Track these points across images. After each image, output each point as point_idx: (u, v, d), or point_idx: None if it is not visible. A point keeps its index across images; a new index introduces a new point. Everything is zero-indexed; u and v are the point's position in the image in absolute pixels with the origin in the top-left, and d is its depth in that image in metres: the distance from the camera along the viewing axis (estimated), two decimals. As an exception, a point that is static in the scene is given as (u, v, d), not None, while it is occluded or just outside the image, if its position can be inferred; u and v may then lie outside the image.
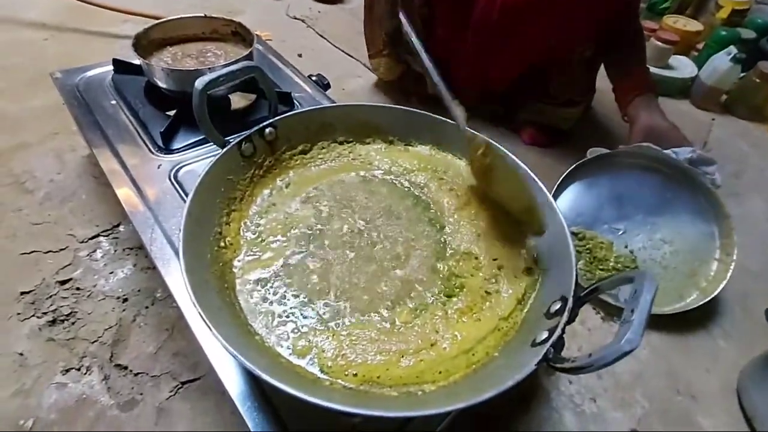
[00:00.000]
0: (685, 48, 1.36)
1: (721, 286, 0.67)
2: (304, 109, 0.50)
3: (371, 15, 0.98)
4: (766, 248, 0.86)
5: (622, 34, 0.86)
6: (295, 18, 1.38)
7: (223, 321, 0.33)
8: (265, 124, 0.47)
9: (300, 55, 1.19)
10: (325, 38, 1.28)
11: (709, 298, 0.66)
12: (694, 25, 1.35)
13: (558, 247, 0.42)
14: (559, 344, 0.32)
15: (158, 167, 0.58)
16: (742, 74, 1.22)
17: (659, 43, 1.22)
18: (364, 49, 1.07)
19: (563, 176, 0.75)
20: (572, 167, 0.76)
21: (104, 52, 1.09)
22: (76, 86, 0.70)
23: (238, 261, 0.41)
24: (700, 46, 1.36)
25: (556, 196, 0.74)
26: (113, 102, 0.68)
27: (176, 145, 0.61)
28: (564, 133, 1.00)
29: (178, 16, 0.69)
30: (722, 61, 1.18)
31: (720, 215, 0.72)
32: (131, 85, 0.68)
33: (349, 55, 1.22)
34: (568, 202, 0.77)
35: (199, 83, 0.40)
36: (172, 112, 0.65)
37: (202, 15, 0.71)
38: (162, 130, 0.60)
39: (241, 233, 0.43)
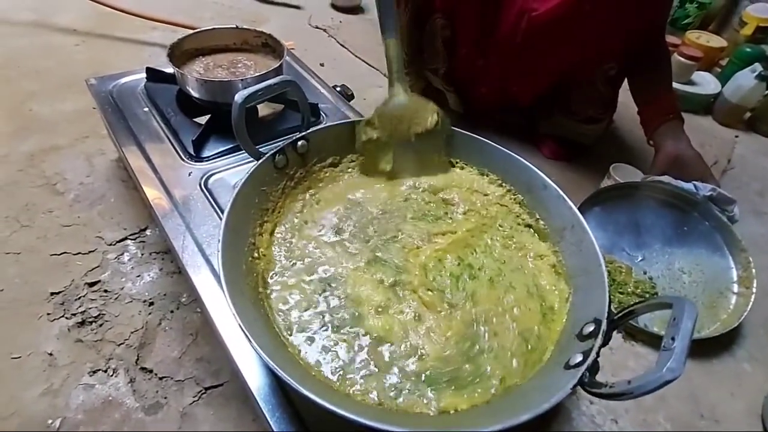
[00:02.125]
0: (708, 64, 1.34)
1: (742, 318, 0.66)
2: (335, 123, 0.51)
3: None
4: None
5: (647, 54, 0.85)
6: (317, 27, 1.40)
7: (258, 332, 0.33)
8: (298, 136, 0.48)
9: (322, 65, 1.20)
10: (346, 48, 1.30)
11: (728, 329, 0.65)
12: (717, 41, 1.34)
13: (589, 266, 0.42)
14: (594, 368, 0.32)
15: (189, 174, 0.59)
16: (767, 92, 1.20)
17: (682, 59, 1.22)
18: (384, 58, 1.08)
19: (584, 200, 0.76)
20: (593, 193, 0.77)
21: (133, 58, 1.12)
22: (110, 93, 0.72)
23: (272, 272, 0.42)
24: (724, 62, 1.34)
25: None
26: (145, 109, 0.69)
27: (207, 153, 0.62)
28: (585, 147, 1.00)
29: (211, 27, 0.71)
30: (746, 79, 1.16)
31: (737, 249, 0.73)
32: (163, 93, 0.70)
33: (370, 65, 1.23)
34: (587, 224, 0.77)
35: (239, 97, 0.41)
36: (202, 120, 0.66)
37: (234, 26, 0.72)
38: (194, 138, 0.61)
39: (274, 245, 0.44)
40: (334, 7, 1.52)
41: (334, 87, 0.82)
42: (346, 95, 0.81)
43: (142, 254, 0.68)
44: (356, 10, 1.53)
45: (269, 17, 1.42)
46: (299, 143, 0.48)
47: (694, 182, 0.77)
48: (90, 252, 0.67)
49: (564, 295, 0.43)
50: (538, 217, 0.50)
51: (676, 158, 0.79)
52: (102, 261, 0.66)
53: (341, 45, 1.32)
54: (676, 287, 0.72)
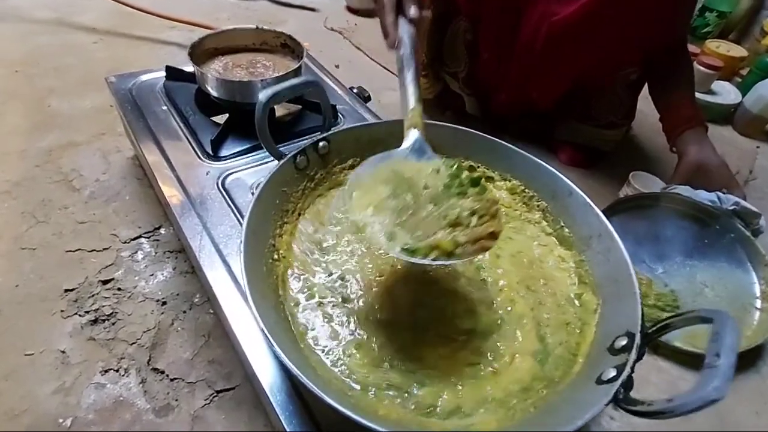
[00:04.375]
0: (729, 73, 1.32)
1: (765, 336, 0.64)
2: (356, 125, 0.51)
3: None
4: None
5: (669, 60, 0.84)
6: (333, 30, 1.40)
7: (280, 337, 0.32)
8: (320, 137, 0.47)
9: (337, 67, 1.20)
10: (361, 50, 1.30)
11: (752, 347, 0.63)
12: (737, 51, 1.32)
13: (618, 276, 0.40)
14: (628, 384, 0.31)
15: (206, 173, 0.58)
16: (790, 103, 1.18)
17: (702, 68, 1.20)
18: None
19: (603, 209, 0.74)
20: (612, 202, 0.75)
21: (151, 57, 1.12)
22: (129, 90, 0.72)
23: (292, 276, 0.41)
24: (744, 72, 1.32)
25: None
26: (164, 107, 0.69)
27: (224, 153, 0.62)
28: (604, 153, 0.98)
29: (231, 27, 0.71)
30: (767, 89, 1.14)
31: (760, 264, 0.71)
32: (182, 91, 0.70)
33: (385, 68, 1.23)
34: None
35: (264, 96, 0.40)
36: (221, 120, 0.66)
37: (254, 27, 0.72)
38: (212, 137, 0.61)
39: (294, 246, 0.43)
40: (350, 9, 1.53)
41: (351, 88, 0.81)
42: (363, 97, 0.80)
43: (156, 253, 0.67)
44: (372, 12, 1.53)
45: (285, 19, 1.42)
46: (320, 144, 0.48)
47: (718, 193, 0.75)
48: (104, 249, 0.67)
49: (592, 306, 0.41)
50: (563, 224, 0.49)
51: (699, 166, 0.77)
52: (116, 259, 0.66)
53: (356, 47, 1.31)
54: (698, 301, 0.70)
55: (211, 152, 0.61)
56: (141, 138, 0.64)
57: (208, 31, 0.70)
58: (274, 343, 0.28)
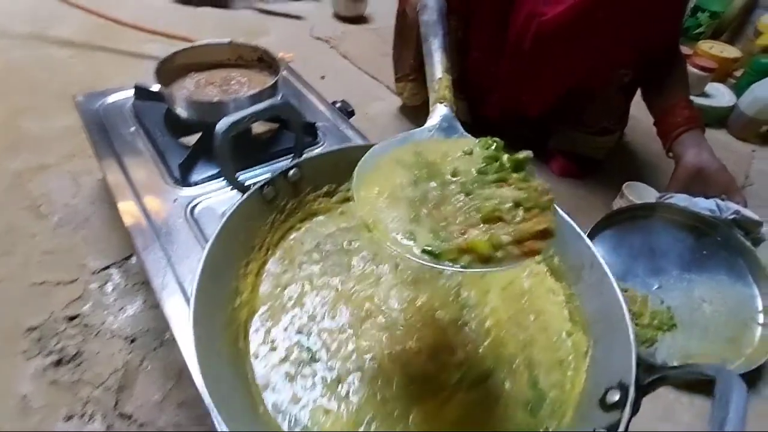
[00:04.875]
0: (722, 75, 1.30)
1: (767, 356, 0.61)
2: (331, 149, 0.47)
3: (401, 38, 0.96)
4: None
5: (662, 62, 0.81)
6: (319, 38, 1.37)
7: (232, 406, 0.29)
8: (289, 165, 0.44)
9: (323, 77, 1.17)
10: (348, 59, 1.27)
11: (754, 367, 0.60)
12: (731, 52, 1.30)
13: (611, 314, 0.37)
14: (623, 448, 0.27)
15: (174, 201, 0.55)
16: (786, 104, 1.15)
17: (695, 70, 1.17)
18: (387, 71, 1.05)
19: (594, 224, 0.71)
20: (605, 215, 0.72)
21: (129, 71, 1.09)
22: (97, 110, 0.68)
23: (255, 324, 0.37)
24: (738, 73, 1.30)
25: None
26: (132, 129, 0.66)
27: (195, 178, 0.58)
28: (597, 162, 0.95)
29: (204, 43, 0.67)
30: (763, 91, 1.12)
31: (762, 277, 0.67)
32: (152, 111, 0.67)
33: (373, 77, 1.19)
34: (599, 251, 0.72)
35: (222, 125, 0.37)
36: (193, 139, 0.62)
37: (228, 42, 0.69)
38: (180, 161, 0.57)
39: (259, 288, 0.40)
40: (337, 17, 1.49)
41: (334, 103, 0.78)
42: (346, 112, 0.77)
43: (126, 284, 0.64)
44: (360, 20, 1.50)
45: (270, 28, 1.39)
46: (291, 172, 0.44)
47: (717, 201, 0.72)
48: (72, 282, 0.63)
49: (582, 348, 0.38)
50: (552, 252, 0.46)
51: (698, 170, 0.74)
52: (84, 291, 0.62)
53: (343, 56, 1.28)
54: (695, 318, 0.67)
55: (179, 177, 0.57)
56: (105, 161, 0.60)
57: (183, 46, 0.66)
58: (220, 422, 0.25)
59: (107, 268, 0.65)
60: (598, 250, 0.73)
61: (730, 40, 1.42)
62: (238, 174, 0.57)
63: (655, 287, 0.71)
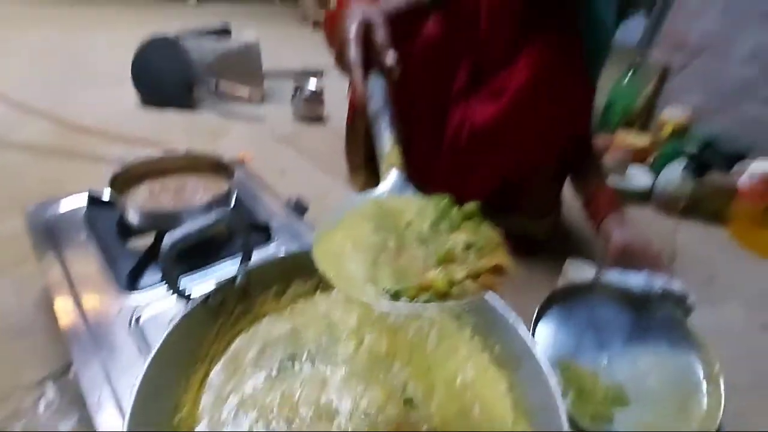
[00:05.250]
0: (640, 159, 1.48)
1: (717, 422, 0.63)
2: (277, 257, 0.50)
3: (352, 132, 1.05)
4: (753, 359, 0.84)
5: (581, 154, 0.93)
6: (279, 137, 1.46)
7: None
8: (236, 273, 0.46)
9: (282, 174, 1.23)
10: (306, 156, 1.35)
11: None
12: (644, 139, 1.49)
13: (547, 403, 0.39)
14: None
15: (119, 311, 0.54)
16: (695, 182, 1.32)
17: (616, 157, 1.33)
18: (343, 166, 1.13)
19: (541, 304, 0.75)
20: (549, 294, 0.76)
21: (87, 175, 1.10)
22: (48, 220, 0.69)
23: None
24: (653, 157, 1.48)
25: (534, 328, 0.73)
26: (83, 236, 0.66)
27: (144, 283, 0.58)
28: (540, 243, 1.02)
29: (159, 155, 0.71)
30: (674, 172, 1.28)
31: (697, 345, 0.72)
32: (105, 218, 0.68)
33: (330, 172, 1.27)
34: (547, 331, 0.76)
35: (169, 240, 0.39)
36: (143, 244, 0.63)
37: (184, 151, 0.73)
38: (129, 270, 0.58)
39: (200, 402, 0.39)
40: (296, 117, 1.62)
41: (289, 200, 0.82)
42: (301, 209, 0.81)
43: (62, 400, 0.59)
44: (318, 119, 1.63)
45: (232, 129, 1.48)
46: (238, 279, 0.46)
47: (647, 275, 0.78)
48: (3, 399, 0.58)
49: (526, 440, 0.39)
50: (493, 341, 0.48)
51: (625, 247, 0.81)
52: (16, 409, 0.57)
53: (302, 154, 1.37)
54: (645, 391, 0.69)
55: (127, 285, 0.57)
56: (49, 269, 0.59)
57: (139, 159, 0.70)
58: None
59: (44, 381, 0.61)
60: (547, 327, 0.76)
61: (641, 128, 1.65)
62: (187, 275, 0.58)
63: (604, 363, 0.73)
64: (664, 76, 1.59)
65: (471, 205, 0.39)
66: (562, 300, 0.79)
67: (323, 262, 0.34)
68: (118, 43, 2.26)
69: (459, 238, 0.35)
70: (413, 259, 0.34)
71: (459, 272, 0.32)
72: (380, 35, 0.56)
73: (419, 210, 0.39)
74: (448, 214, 0.38)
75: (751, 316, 0.95)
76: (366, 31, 0.56)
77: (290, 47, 2.74)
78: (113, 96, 1.58)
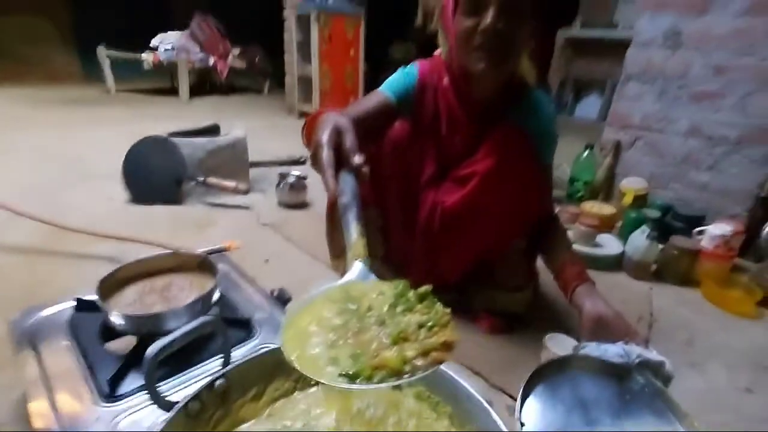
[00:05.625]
0: (607, 227, 1.56)
1: None
2: (256, 355, 0.51)
3: (332, 221, 1.11)
4: (742, 424, 0.84)
5: (544, 229, 1.00)
6: (265, 225, 1.52)
7: None
8: (214, 377, 0.47)
9: (266, 261, 1.27)
10: (292, 242, 1.40)
11: None
12: (608, 209, 1.59)
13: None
14: None
15: (96, 419, 0.54)
16: (661, 246, 1.39)
17: (583, 228, 1.41)
18: (326, 251, 1.17)
19: (524, 386, 0.76)
20: (532, 372, 0.78)
21: (75, 276, 1.12)
22: (30, 327, 0.70)
23: None
24: (618, 225, 1.57)
25: (521, 407, 0.74)
26: (65, 342, 0.67)
27: (125, 389, 0.58)
28: (520, 317, 1.05)
29: (146, 257, 0.75)
30: (640, 239, 1.35)
31: (680, 414, 0.73)
32: (89, 322, 0.69)
33: (314, 257, 1.31)
34: (535, 411, 0.76)
35: (151, 351, 0.41)
36: (126, 347, 0.64)
37: (171, 252, 0.77)
38: (110, 376, 0.58)
39: None
40: (281, 204, 1.69)
41: (272, 292, 0.85)
42: (283, 300, 0.84)
43: None
44: (302, 205, 1.71)
45: (218, 220, 1.53)
46: (217, 383, 0.47)
47: (623, 346, 0.80)
48: None
49: None
50: (469, 429, 0.49)
51: (598, 319, 0.84)
52: None
53: (287, 240, 1.42)
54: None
55: (108, 392, 0.57)
56: (28, 375, 0.59)
57: (136, 243, 0.73)
58: None
59: None
60: (534, 406, 0.77)
61: (605, 199, 1.77)
62: (168, 381, 0.59)
63: None
64: (618, 150, 1.75)
65: (424, 288, 0.44)
66: (545, 376, 0.80)
67: (288, 346, 0.38)
68: (112, 141, 2.40)
69: (412, 320, 0.39)
70: (371, 339, 0.38)
71: (411, 350, 0.36)
72: (349, 140, 0.64)
73: (379, 294, 0.44)
74: (404, 297, 0.43)
75: (733, 378, 0.96)
76: (337, 136, 0.64)
77: (276, 136, 2.93)
78: (103, 193, 1.65)
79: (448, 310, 0.42)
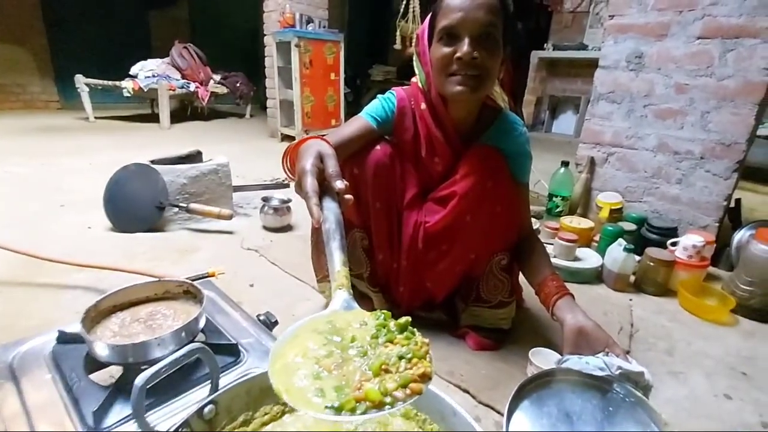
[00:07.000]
0: (586, 241, 1.61)
1: None
2: (244, 379, 0.52)
3: (316, 247, 1.12)
4: (721, 428, 0.87)
5: (524, 246, 1.03)
6: (249, 249, 1.52)
7: None
8: (204, 403, 0.47)
9: (252, 285, 1.26)
10: (277, 265, 1.40)
11: None
12: (586, 223, 1.64)
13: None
14: None
15: (81, 456, 0.53)
16: (638, 258, 1.44)
17: (563, 242, 1.45)
18: (312, 273, 1.17)
19: (510, 401, 0.78)
20: (517, 387, 0.79)
21: (53, 306, 1.09)
22: (10, 363, 0.68)
23: None
24: (597, 238, 1.62)
25: (508, 423, 0.75)
26: (48, 376, 0.65)
27: (111, 421, 0.57)
28: (506, 332, 1.07)
29: (129, 286, 0.74)
30: (617, 252, 1.40)
31: (661, 423, 0.75)
32: (72, 354, 0.68)
33: (299, 280, 1.31)
34: (521, 427, 0.77)
35: (140, 380, 0.42)
36: (110, 378, 0.63)
37: (156, 279, 0.77)
38: (95, 408, 0.57)
39: None
40: (265, 228, 1.70)
41: (258, 316, 0.85)
42: (269, 324, 0.84)
43: None
44: (286, 228, 1.71)
45: (202, 245, 1.52)
46: (206, 410, 0.47)
47: (603, 358, 0.83)
48: None
49: None
50: (455, 447, 0.50)
51: (579, 331, 0.86)
52: None
53: (272, 263, 1.42)
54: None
55: (92, 425, 0.56)
56: (7, 415, 0.58)
57: (116, 272, 0.72)
58: None
59: None
60: (522, 421, 0.77)
61: (583, 213, 1.82)
62: (155, 410, 0.58)
63: None
64: (593, 166, 1.82)
65: (405, 319, 0.47)
66: (530, 391, 0.81)
67: (277, 378, 0.40)
68: (92, 169, 2.37)
69: (392, 351, 0.42)
70: (354, 371, 0.41)
71: (391, 382, 0.39)
72: (331, 165, 0.66)
73: (362, 324, 0.47)
74: (386, 327, 0.46)
75: (713, 384, 0.99)
76: (320, 162, 0.66)
77: (260, 160, 2.94)
78: (83, 222, 1.62)
79: (427, 341, 0.45)
